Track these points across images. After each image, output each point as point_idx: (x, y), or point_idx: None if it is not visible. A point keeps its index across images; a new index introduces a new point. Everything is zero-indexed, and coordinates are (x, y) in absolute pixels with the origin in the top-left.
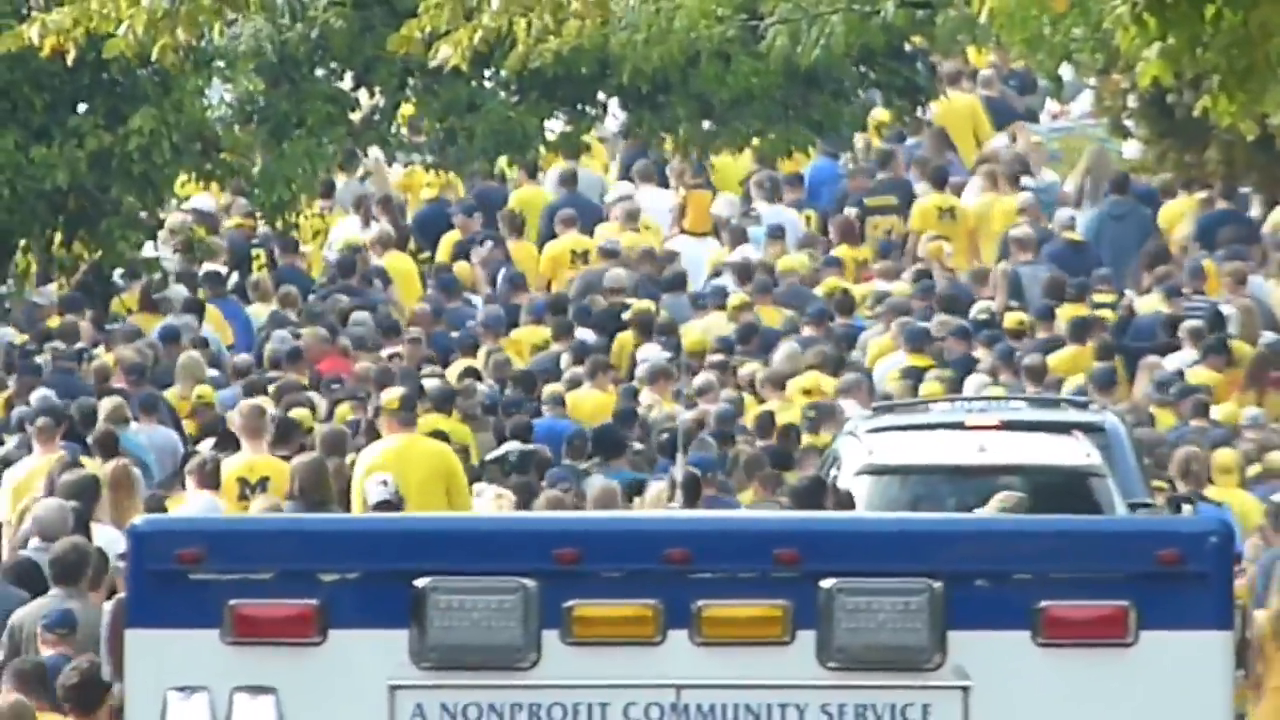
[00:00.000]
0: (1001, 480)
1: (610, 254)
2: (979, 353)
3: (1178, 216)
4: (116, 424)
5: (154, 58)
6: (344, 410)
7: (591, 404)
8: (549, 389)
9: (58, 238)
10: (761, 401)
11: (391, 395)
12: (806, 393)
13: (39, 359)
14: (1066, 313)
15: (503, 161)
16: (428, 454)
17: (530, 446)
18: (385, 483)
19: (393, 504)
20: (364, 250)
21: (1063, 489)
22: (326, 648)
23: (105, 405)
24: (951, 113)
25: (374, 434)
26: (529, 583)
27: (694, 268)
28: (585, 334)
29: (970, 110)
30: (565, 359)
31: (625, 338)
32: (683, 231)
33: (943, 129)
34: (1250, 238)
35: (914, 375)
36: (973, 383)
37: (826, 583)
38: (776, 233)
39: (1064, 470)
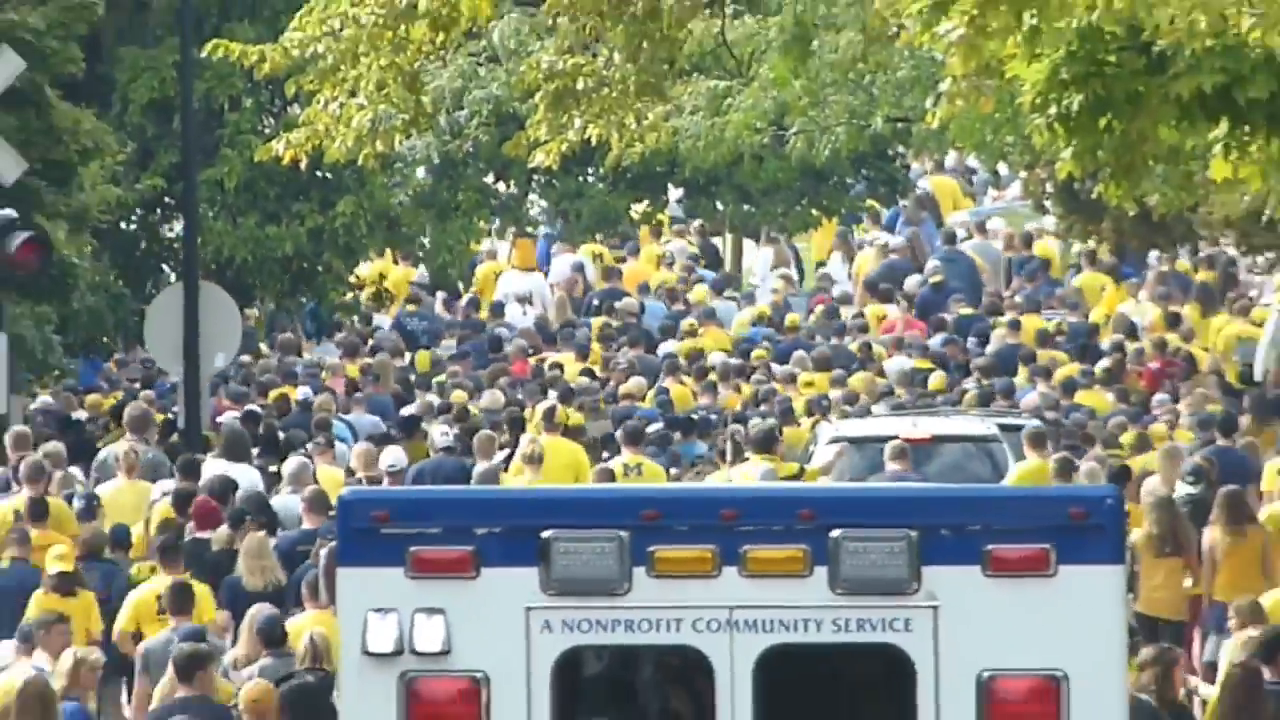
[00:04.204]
0: (926, 447)
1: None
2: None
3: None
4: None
5: (359, 163)
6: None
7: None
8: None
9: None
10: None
11: (545, 406)
12: (809, 384)
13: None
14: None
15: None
16: (564, 450)
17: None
18: (446, 433)
19: (454, 450)
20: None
21: (971, 451)
22: (480, 581)
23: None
24: (941, 188)
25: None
26: (623, 534)
27: (522, 289)
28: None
29: (953, 189)
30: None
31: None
32: (514, 267)
33: (920, 197)
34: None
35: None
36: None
37: (835, 533)
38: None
39: (971, 438)
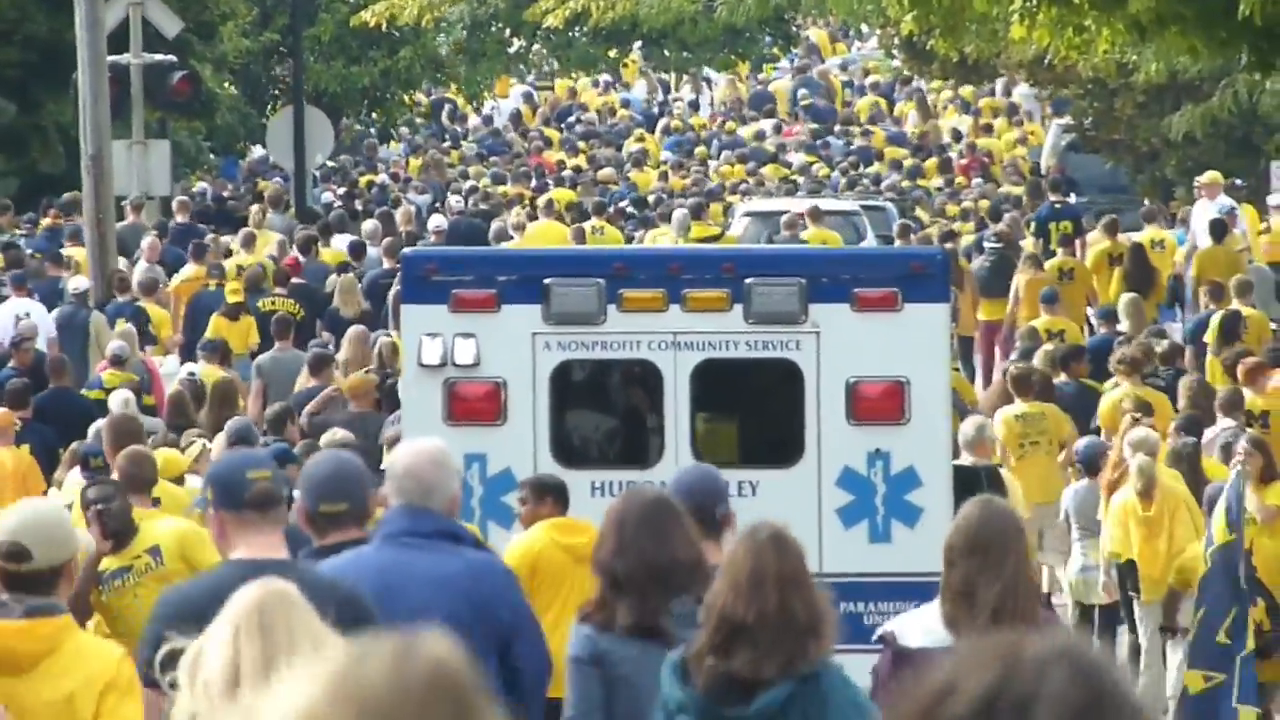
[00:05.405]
0: (809, 218)
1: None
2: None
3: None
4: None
5: (418, 22)
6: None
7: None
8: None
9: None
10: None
11: (545, 198)
12: (735, 173)
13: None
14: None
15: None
16: (555, 228)
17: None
18: (460, 203)
19: (465, 214)
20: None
21: (840, 221)
22: (502, 314)
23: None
24: (821, 38)
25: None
26: (601, 281)
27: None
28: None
29: (826, 38)
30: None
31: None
32: (495, 95)
33: (809, 45)
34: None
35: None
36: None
37: (749, 280)
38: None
39: (841, 212)
